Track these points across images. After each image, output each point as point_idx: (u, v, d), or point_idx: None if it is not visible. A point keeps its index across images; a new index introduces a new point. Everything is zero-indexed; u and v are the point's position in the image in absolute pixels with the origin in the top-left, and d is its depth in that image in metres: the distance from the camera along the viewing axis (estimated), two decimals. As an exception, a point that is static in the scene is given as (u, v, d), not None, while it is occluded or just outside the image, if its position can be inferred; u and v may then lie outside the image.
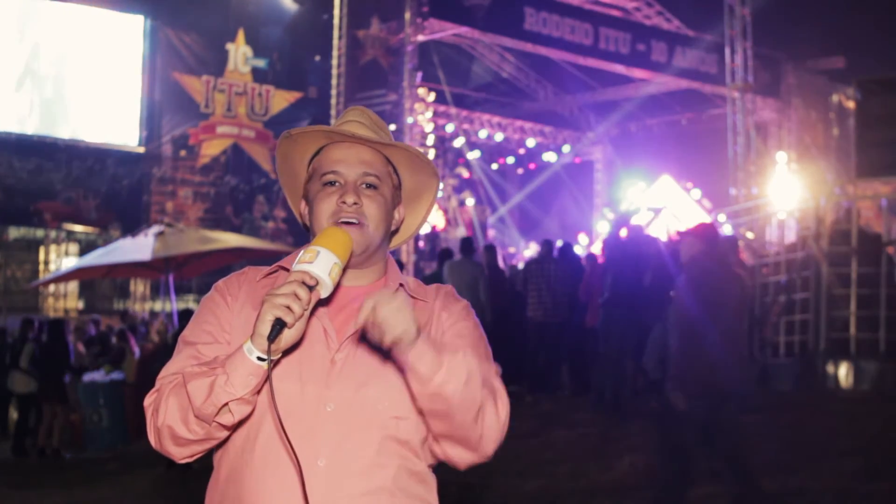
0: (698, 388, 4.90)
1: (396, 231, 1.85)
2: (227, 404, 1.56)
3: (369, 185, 1.73)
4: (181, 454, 1.66)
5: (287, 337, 1.55)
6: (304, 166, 1.82)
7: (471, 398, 1.60)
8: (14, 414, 10.96)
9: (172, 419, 1.60)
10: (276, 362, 1.56)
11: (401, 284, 1.77)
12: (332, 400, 1.64)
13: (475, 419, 1.62)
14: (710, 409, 4.94)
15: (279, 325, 1.52)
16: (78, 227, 17.16)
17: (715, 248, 5.28)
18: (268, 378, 1.55)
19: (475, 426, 1.63)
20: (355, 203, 1.70)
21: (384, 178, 1.76)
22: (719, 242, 5.49)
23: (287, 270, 1.75)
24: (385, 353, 1.63)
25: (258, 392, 1.60)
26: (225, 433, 1.63)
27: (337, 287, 1.63)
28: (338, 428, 1.63)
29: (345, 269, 1.63)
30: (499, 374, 1.73)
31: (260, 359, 1.54)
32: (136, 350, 11.07)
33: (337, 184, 1.73)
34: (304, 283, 1.55)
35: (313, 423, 1.62)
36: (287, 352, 1.61)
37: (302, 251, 1.62)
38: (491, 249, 11.51)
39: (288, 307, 1.52)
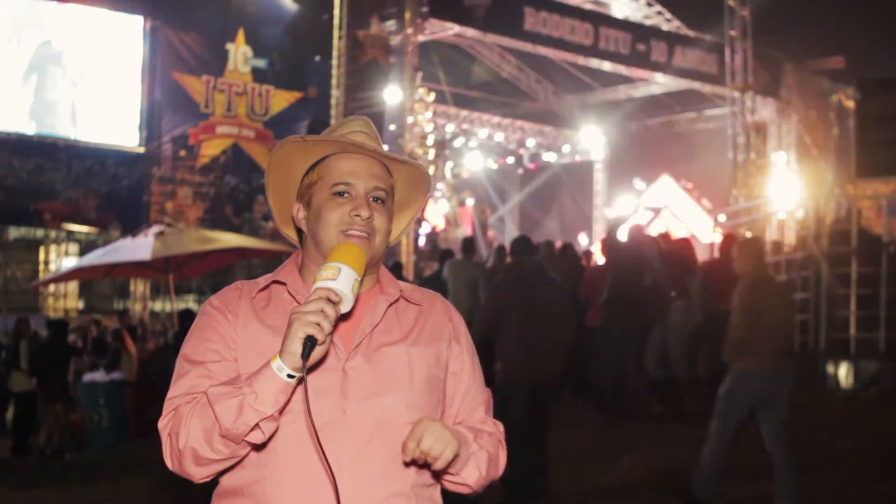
0: (518, 375, 5.74)
1: None
2: (258, 424, 1.58)
3: (377, 199, 1.76)
4: (201, 474, 1.66)
5: (316, 353, 1.57)
6: (303, 169, 1.82)
7: (489, 478, 1.79)
8: (12, 413, 10.95)
9: (196, 441, 1.61)
10: (301, 379, 1.58)
11: (401, 291, 1.82)
12: (349, 409, 1.68)
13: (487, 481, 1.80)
14: (527, 394, 5.76)
15: (311, 343, 1.54)
16: (78, 227, 17.13)
17: (525, 257, 6.20)
18: (305, 393, 1.58)
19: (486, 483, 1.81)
20: (368, 217, 1.73)
21: (390, 191, 1.80)
22: (529, 253, 6.35)
23: (282, 284, 1.78)
24: (394, 362, 1.72)
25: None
26: (247, 450, 1.65)
27: None
28: (355, 436, 1.67)
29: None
30: (489, 401, 1.89)
31: (289, 376, 1.57)
32: (133, 349, 11.05)
33: (347, 195, 1.75)
34: (329, 299, 1.57)
35: (332, 432, 1.65)
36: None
37: (320, 268, 1.63)
38: (501, 251, 11.48)
39: (318, 324, 1.54)
